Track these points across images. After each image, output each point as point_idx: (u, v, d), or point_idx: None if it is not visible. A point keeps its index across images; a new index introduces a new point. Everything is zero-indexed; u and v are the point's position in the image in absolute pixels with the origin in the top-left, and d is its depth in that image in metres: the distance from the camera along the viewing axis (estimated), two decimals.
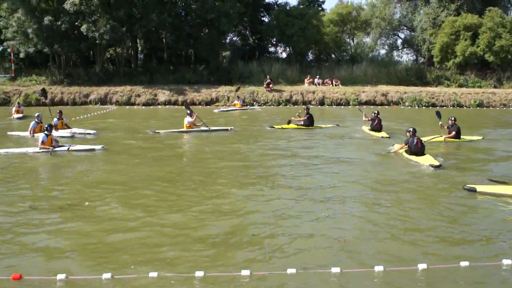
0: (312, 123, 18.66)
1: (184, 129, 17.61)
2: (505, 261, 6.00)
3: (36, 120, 16.51)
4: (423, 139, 13.18)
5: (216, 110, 25.87)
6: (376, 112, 17.61)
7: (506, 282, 5.69)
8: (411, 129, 12.80)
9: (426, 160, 11.85)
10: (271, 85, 31.17)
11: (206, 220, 7.58)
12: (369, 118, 17.65)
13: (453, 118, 15.69)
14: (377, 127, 17.12)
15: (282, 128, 18.40)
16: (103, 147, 13.74)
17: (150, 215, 7.80)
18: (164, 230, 7.14)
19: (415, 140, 12.52)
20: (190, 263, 5.98)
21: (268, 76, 31.82)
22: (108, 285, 5.47)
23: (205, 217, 7.72)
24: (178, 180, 10.34)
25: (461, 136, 15.56)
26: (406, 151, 12.71)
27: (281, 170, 11.33)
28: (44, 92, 20.14)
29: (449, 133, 15.46)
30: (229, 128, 18.07)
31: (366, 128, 17.91)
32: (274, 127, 18.38)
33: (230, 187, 9.77)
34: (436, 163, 11.43)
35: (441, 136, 15.38)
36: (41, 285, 5.49)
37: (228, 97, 30.09)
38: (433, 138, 15.16)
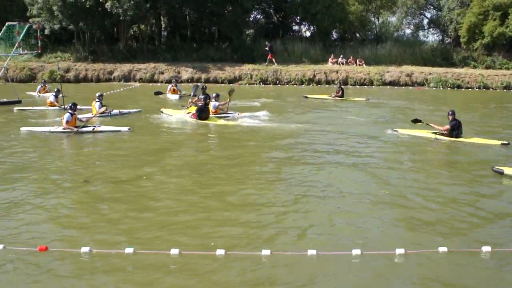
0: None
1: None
2: None
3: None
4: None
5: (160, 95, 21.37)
6: (339, 83, 25.22)
7: None
8: (454, 111, 12.57)
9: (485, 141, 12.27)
10: (274, 58, 31.16)
11: (233, 201, 7.73)
12: (337, 92, 22.01)
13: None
14: (341, 95, 21.83)
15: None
16: (129, 129, 13.38)
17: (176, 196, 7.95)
18: (186, 211, 7.27)
19: (458, 123, 12.42)
20: (209, 241, 6.11)
21: (266, 43, 31.81)
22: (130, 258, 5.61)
23: (231, 198, 7.89)
24: (207, 167, 10.44)
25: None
26: (444, 134, 12.52)
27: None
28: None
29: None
30: (262, 113, 16.24)
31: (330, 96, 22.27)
32: None
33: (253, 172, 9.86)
34: (505, 142, 12.04)
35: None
36: (65, 257, 5.65)
37: (251, 75, 30.13)
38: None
